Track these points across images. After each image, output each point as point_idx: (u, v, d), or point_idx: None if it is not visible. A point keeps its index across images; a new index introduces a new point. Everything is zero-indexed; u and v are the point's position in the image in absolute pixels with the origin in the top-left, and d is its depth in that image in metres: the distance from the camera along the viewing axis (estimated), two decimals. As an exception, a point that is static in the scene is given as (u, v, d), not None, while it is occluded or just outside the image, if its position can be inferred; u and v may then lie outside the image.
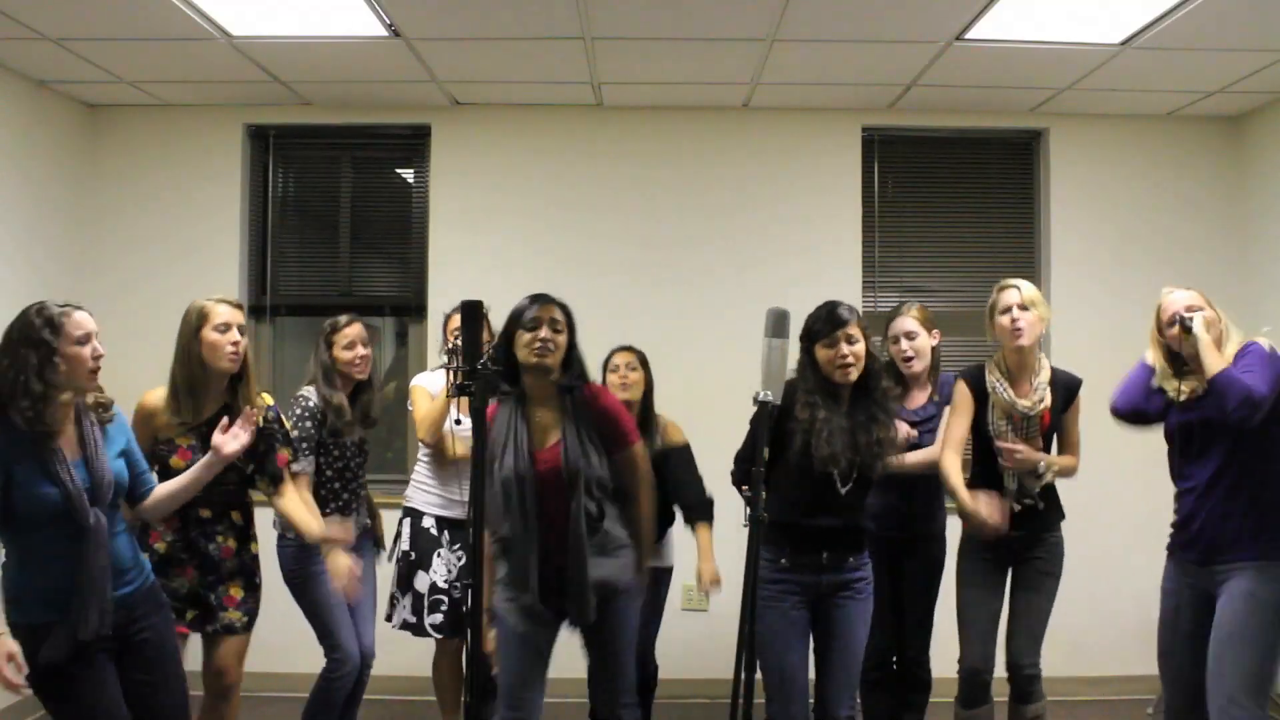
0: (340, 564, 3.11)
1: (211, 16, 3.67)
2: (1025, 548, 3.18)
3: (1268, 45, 3.82)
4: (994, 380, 3.18)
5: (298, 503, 3.10)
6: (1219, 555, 2.68)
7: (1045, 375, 3.17)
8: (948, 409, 3.31)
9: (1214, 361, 2.67)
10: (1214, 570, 2.69)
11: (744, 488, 3.01)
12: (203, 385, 2.92)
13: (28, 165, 4.33)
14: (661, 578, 3.62)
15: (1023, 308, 3.11)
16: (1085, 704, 3.79)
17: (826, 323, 2.82)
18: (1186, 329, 2.75)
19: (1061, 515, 3.23)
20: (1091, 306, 4.68)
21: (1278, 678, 2.63)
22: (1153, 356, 2.91)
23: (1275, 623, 2.59)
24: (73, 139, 4.67)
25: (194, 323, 2.91)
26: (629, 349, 3.66)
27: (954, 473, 3.14)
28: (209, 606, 2.93)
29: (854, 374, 2.79)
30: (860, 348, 2.81)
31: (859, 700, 2.88)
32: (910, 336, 3.40)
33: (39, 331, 2.38)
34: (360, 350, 3.41)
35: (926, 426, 3.40)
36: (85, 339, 2.43)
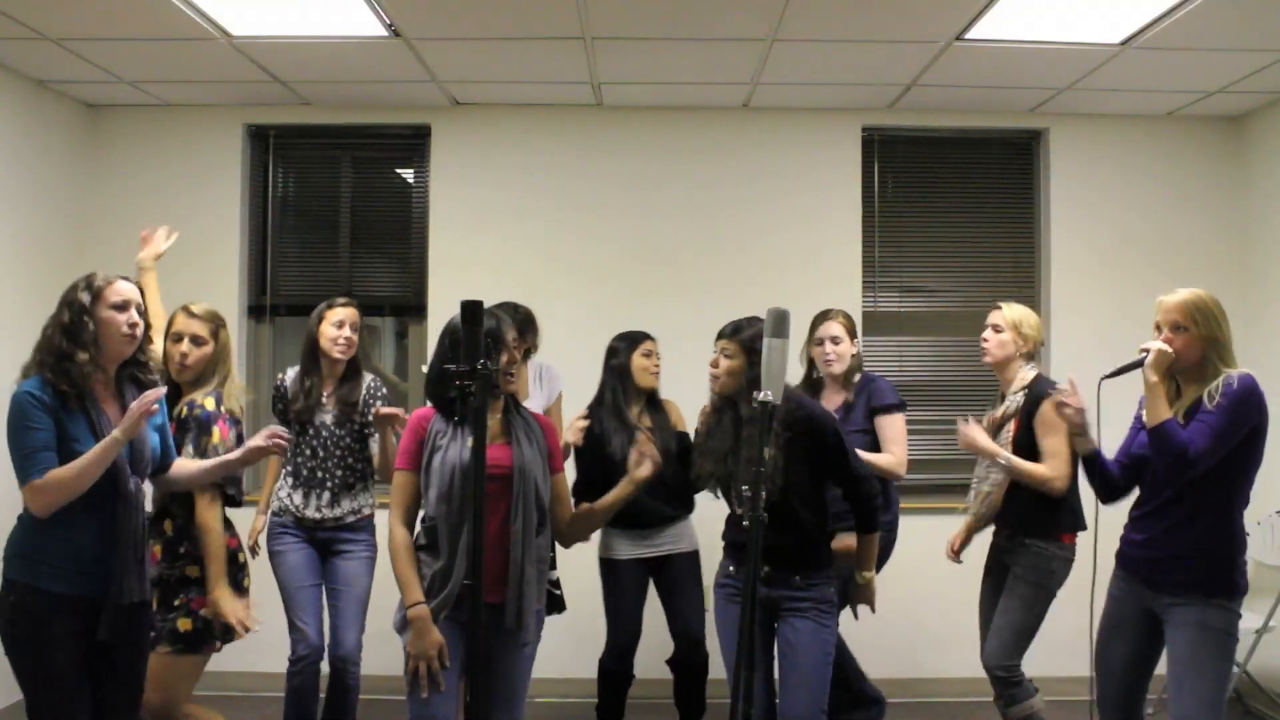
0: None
1: (211, 16, 3.67)
2: (1007, 552, 3.26)
3: (1268, 45, 3.82)
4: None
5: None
6: (1167, 587, 2.66)
7: (1017, 385, 3.27)
8: (889, 417, 3.50)
9: (1154, 411, 2.60)
10: (1160, 597, 2.68)
11: (745, 487, 3.03)
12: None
13: (28, 165, 4.34)
14: (692, 561, 3.68)
15: (996, 329, 3.30)
16: (1085, 704, 3.78)
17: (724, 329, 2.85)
18: (1138, 365, 2.66)
19: (1055, 528, 3.16)
20: (1091, 306, 4.68)
21: (1225, 702, 2.64)
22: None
23: (1226, 648, 2.61)
24: (73, 139, 4.67)
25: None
26: (649, 335, 3.74)
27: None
28: None
29: (716, 387, 2.81)
30: (734, 365, 2.76)
31: None
32: (835, 341, 3.57)
33: (77, 292, 2.48)
34: (346, 331, 3.40)
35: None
36: (122, 306, 2.49)
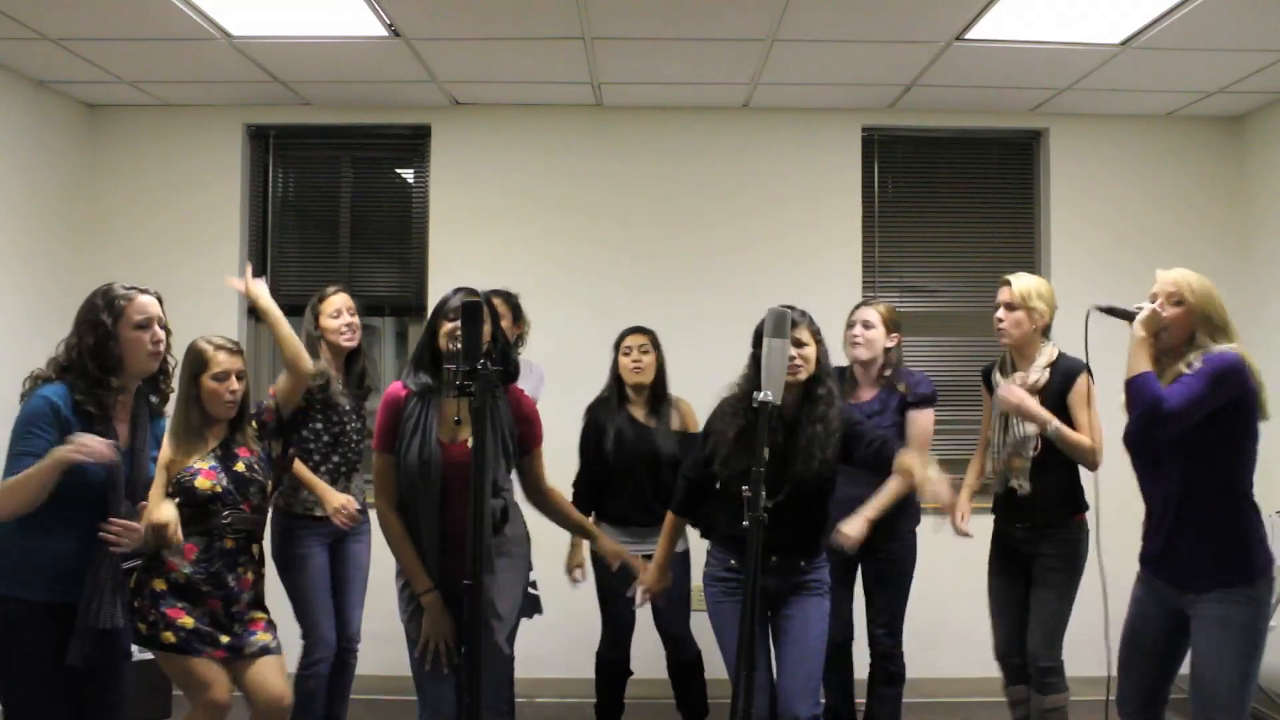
0: (333, 498, 3.24)
1: (211, 16, 3.67)
2: (1033, 543, 3.23)
3: (1268, 45, 3.82)
4: (995, 372, 3.35)
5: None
6: (1187, 582, 2.62)
7: (1043, 361, 3.22)
8: (920, 412, 3.46)
9: (1133, 364, 2.56)
10: (1185, 594, 2.63)
11: (744, 488, 3.02)
12: (198, 423, 2.90)
13: (28, 165, 4.33)
14: (681, 560, 3.63)
15: (1010, 307, 3.23)
16: (1085, 704, 3.79)
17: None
18: (1129, 317, 2.63)
19: (1073, 510, 3.20)
20: (1090, 306, 4.67)
21: (1252, 693, 2.60)
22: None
23: (1250, 643, 2.55)
24: (73, 139, 4.67)
25: (194, 368, 2.87)
26: (641, 330, 3.70)
27: (969, 474, 3.47)
28: (236, 635, 2.87)
29: (803, 374, 2.77)
30: (810, 351, 2.78)
31: (822, 700, 2.87)
32: (867, 325, 3.47)
33: (99, 313, 2.42)
34: (346, 318, 3.42)
35: (874, 421, 3.41)
36: (146, 323, 2.46)
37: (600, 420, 3.65)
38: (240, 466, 2.91)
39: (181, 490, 2.80)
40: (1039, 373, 3.21)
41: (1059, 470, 3.18)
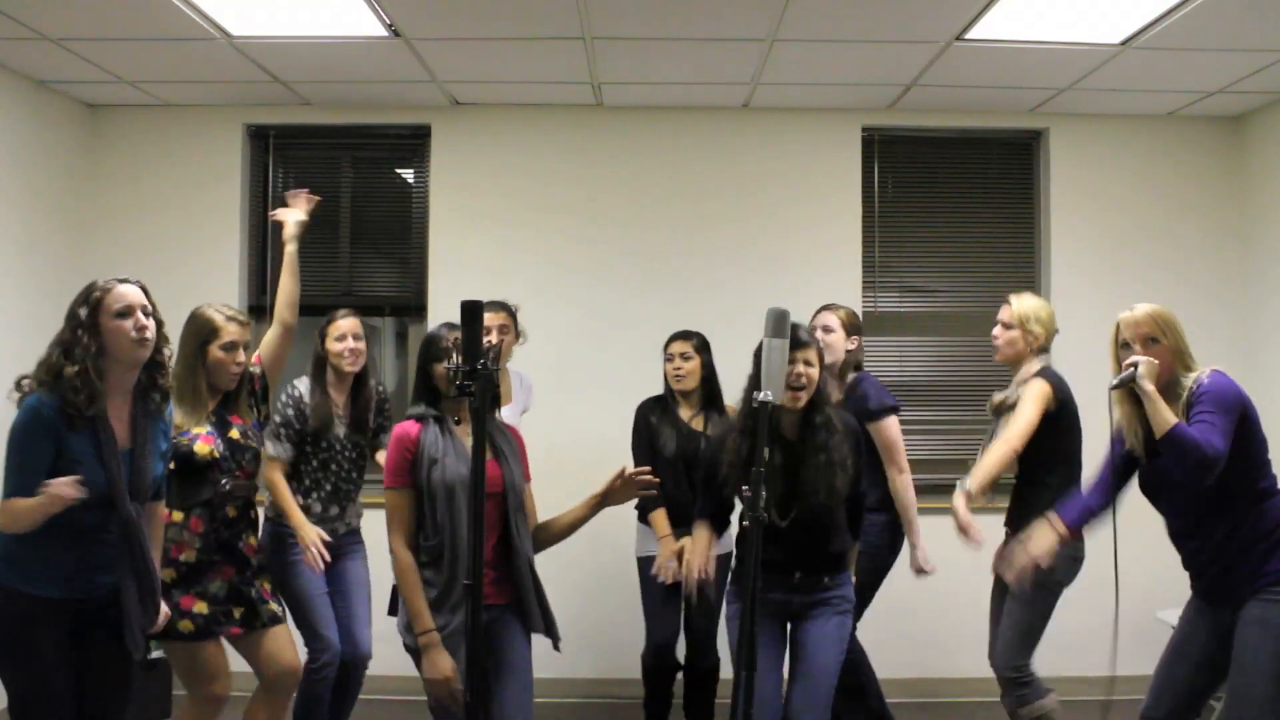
0: (308, 533, 3.17)
1: (211, 16, 3.67)
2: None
3: (1268, 45, 3.82)
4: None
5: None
6: (1228, 599, 2.63)
7: (1022, 376, 3.25)
8: (880, 423, 3.45)
9: (1162, 418, 2.53)
10: (1235, 607, 2.63)
11: (744, 487, 3.02)
12: (204, 391, 2.92)
13: (28, 166, 4.33)
14: (723, 563, 3.58)
15: (1007, 326, 3.29)
16: (1085, 704, 3.80)
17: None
18: (1131, 381, 2.60)
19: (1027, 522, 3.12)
20: (1090, 307, 4.66)
21: None
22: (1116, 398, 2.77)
23: None
24: (73, 139, 4.67)
25: (203, 335, 2.88)
26: (684, 336, 3.70)
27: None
28: (251, 601, 2.92)
29: (803, 398, 2.73)
30: (815, 372, 2.75)
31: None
32: (827, 330, 3.53)
33: (77, 307, 2.40)
34: (350, 343, 3.38)
35: None
36: (126, 311, 2.39)
37: (650, 419, 3.67)
38: (235, 433, 2.93)
39: (179, 456, 2.78)
40: (1015, 390, 3.25)
41: (1022, 483, 3.23)
